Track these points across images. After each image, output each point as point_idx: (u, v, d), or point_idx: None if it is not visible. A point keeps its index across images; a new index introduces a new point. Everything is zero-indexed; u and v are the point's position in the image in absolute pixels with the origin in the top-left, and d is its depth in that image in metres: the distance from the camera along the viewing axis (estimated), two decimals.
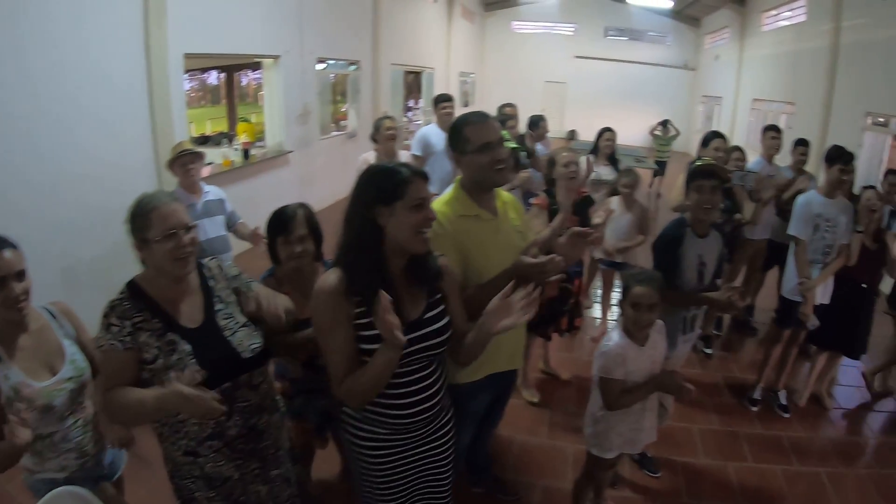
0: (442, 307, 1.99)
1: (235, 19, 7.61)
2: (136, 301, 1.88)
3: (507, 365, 2.65)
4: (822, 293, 4.36)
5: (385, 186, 1.82)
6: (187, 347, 1.88)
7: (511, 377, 2.83)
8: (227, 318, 2.02)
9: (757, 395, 4.86)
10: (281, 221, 2.59)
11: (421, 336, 1.90)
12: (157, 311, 1.89)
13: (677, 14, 22.14)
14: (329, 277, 1.84)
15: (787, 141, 6.04)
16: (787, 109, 13.64)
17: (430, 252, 1.96)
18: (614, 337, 2.81)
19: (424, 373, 1.99)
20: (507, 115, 6.22)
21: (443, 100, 5.82)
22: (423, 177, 1.89)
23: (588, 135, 6.13)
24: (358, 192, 1.88)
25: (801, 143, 5.86)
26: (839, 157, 4.14)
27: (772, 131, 5.79)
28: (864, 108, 9.96)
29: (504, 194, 2.59)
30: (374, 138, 5.19)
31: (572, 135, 20.25)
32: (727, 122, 17.45)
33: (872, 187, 4.57)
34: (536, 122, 6.68)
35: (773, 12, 15.11)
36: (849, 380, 5.37)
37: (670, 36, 23.33)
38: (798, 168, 5.77)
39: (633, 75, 23.17)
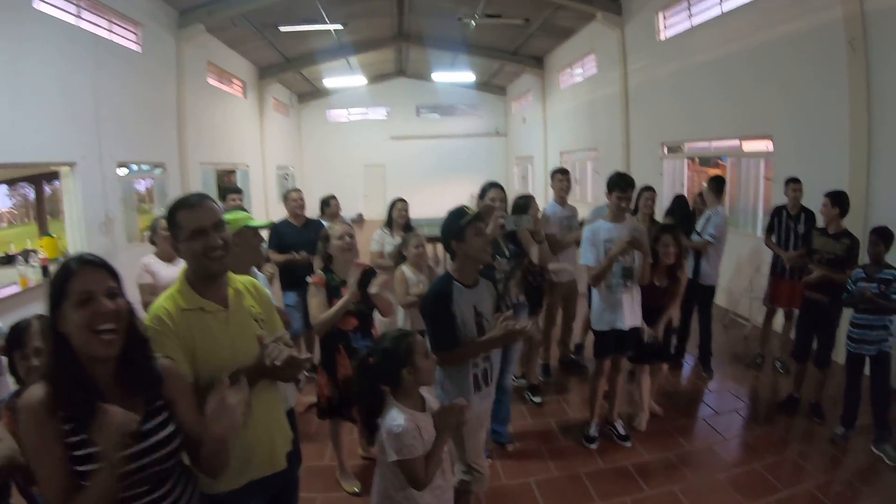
0: (165, 415, 1.78)
1: (22, 125, 6.84)
2: None
3: (270, 468, 2.29)
4: (632, 315, 4.42)
5: (53, 288, 1.64)
6: None
7: (284, 478, 2.40)
8: None
9: (593, 431, 4.66)
10: (15, 335, 2.47)
11: (142, 451, 1.67)
12: None
13: (484, 85, 22.98)
14: (33, 392, 1.61)
15: (600, 184, 6.31)
16: (592, 155, 14.23)
17: (143, 354, 1.78)
18: (395, 416, 2.42)
19: (156, 494, 1.75)
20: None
21: (231, 191, 5.65)
22: (95, 264, 1.68)
23: (411, 213, 5.58)
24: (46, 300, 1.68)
25: (648, 189, 5.99)
26: (616, 185, 4.33)
27: (559, 174, 5.95)
28: (659, 139, 10.56)
29: (240, 280, 2.30)
30: (153, 240, 4.51)
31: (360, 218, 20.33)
32: (541, 178, 17.95)
33: (672, 228, 4.80)
34: (327, 202, 6.49)
35: (569, 70, 15.90)
36: (684, 390, 5.54)
37: (480, 106, 24.15)
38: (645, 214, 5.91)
39: (448, 148, 23.53)
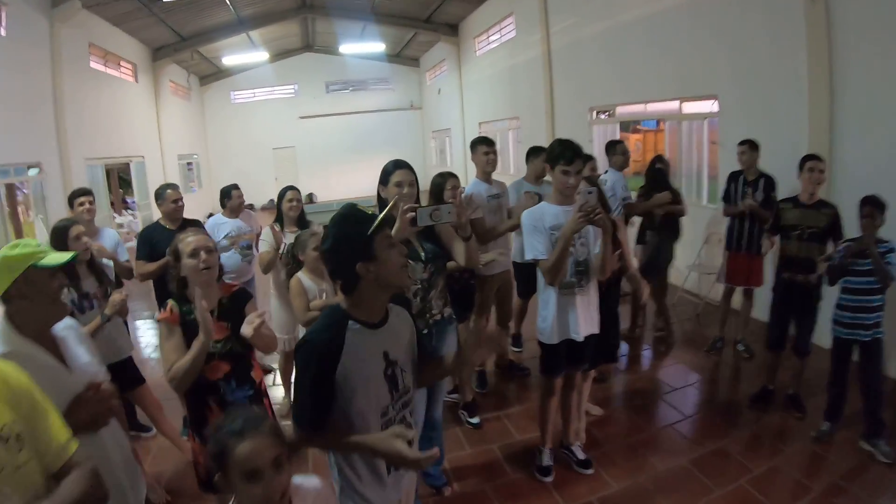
0: None
1: None
2: None
3: None
4: (587, 322, 3.46)
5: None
6: None
7: None
8: None
9: (546, 459, 3.79)
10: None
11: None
12: None
13: (396, 57, 21.86)
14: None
15: (522, 154, 5.44)
16: (514, 124, 13.46)
17: None
18: None
19: None
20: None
21: (79, 194, 4.63)
22: None
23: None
24: None
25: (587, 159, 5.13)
26: (560, 156, 3.26)
27: (483, 146, 4.84)
28: (588, 104, 9.92)
29: None
30: None
31: (311, 198, 19.04)
32: (459, 153, 17.17)
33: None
34: (228, 193, 5.52)
35: (486, 36, 15.00)
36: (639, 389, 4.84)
37: (393, 80, 23.00)
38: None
39: (361, 125, 22.25)
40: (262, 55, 17.93)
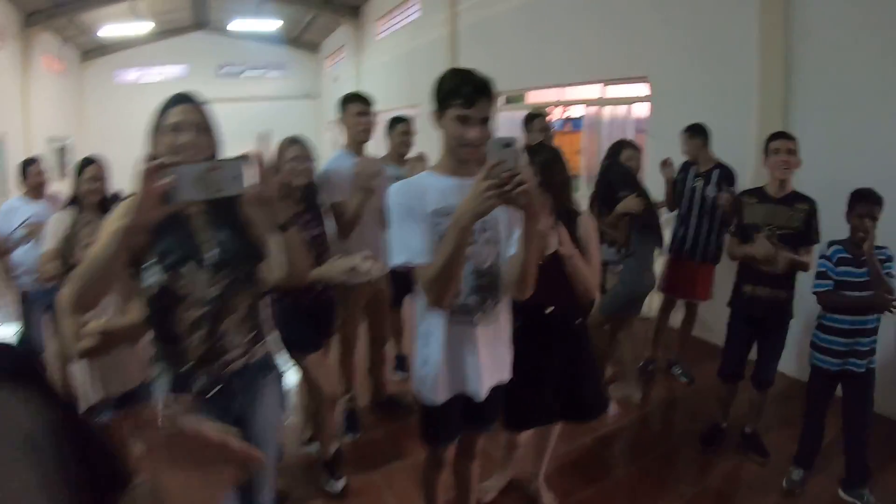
0: None
1: None
2: None
3: None
4: (492, 368, 2.16)
5: None
6: None
7: None
8: None
9: None
10: None
11: None
12: None
13: (294, 41, 20.20)
14: None
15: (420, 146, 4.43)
16: (413, 113, 12.00)
17: None
18: None
19: None
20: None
21: None
22: None
23: None
24: None
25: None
26: (454, 92, 2.09)
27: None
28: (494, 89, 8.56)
29: None
30: None
31: None
32: None
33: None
34: (24, 168, 4.47)
35: (388, 18, 13.74)
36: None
37: (290, 66, 21.33)
38: None
39: (253, 114, 20.18)
40: (145, 26, 15.51)
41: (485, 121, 1.91)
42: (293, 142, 3.11)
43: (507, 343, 2.21)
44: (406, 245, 1.91)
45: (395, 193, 1.98)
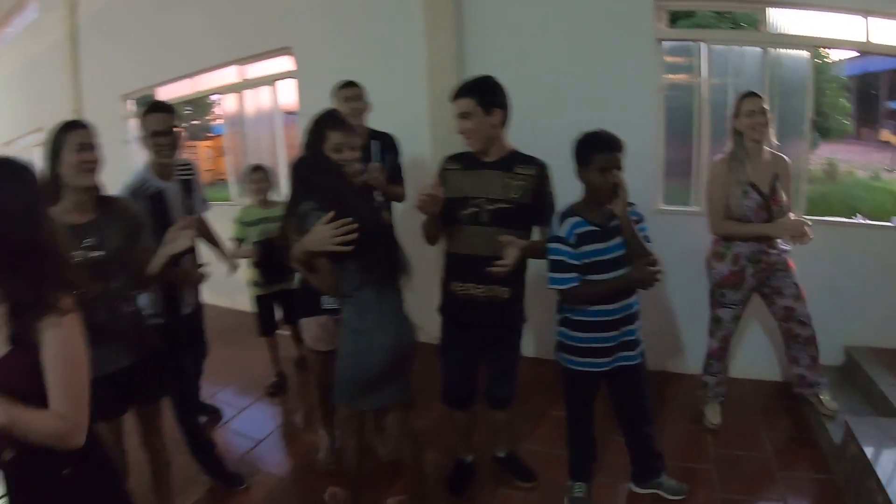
0: None
1: None
2: None
3: None
4: None
5: None
6: None
7: None
8: None
9: None
10: None
11: None
12: None
13: None
14: None
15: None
16: (40, 139, 9.58)
17: None
18: None
19: None
20: None
21: None
22: None
23: None
24: None
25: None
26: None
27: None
28: (120, 92, 7.37)
29: None
30: None
31: None
32: None
33: None
34: None
35: (4, 25, 10.89)
36: None
37: None
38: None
39: None
40: None
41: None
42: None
43: None
44: None
45: None
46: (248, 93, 5.91)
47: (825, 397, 3.23)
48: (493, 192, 2.44)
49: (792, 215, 3.11)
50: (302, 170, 2.26)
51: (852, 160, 11.37)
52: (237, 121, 6.09)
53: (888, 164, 9.07)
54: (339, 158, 2.27)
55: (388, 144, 3.54)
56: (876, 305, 3.69)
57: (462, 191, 2.48)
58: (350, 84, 3.47)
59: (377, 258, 2.18)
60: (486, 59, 3.88)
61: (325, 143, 2.29)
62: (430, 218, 2.53)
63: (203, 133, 7.73)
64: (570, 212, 2.31)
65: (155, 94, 6.87)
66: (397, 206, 3.58)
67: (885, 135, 12.66)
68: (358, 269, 2.15)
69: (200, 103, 10.08)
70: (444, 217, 2.48)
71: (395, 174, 3.49)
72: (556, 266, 2.30)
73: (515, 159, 2.50)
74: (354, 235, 2.00)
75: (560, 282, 2.30)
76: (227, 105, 6.27)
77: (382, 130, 3.56)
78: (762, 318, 3.71)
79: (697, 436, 3.31)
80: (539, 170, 2.49)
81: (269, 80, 5.62)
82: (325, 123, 2.34)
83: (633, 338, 2.43)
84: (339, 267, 2.15)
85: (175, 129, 2.85)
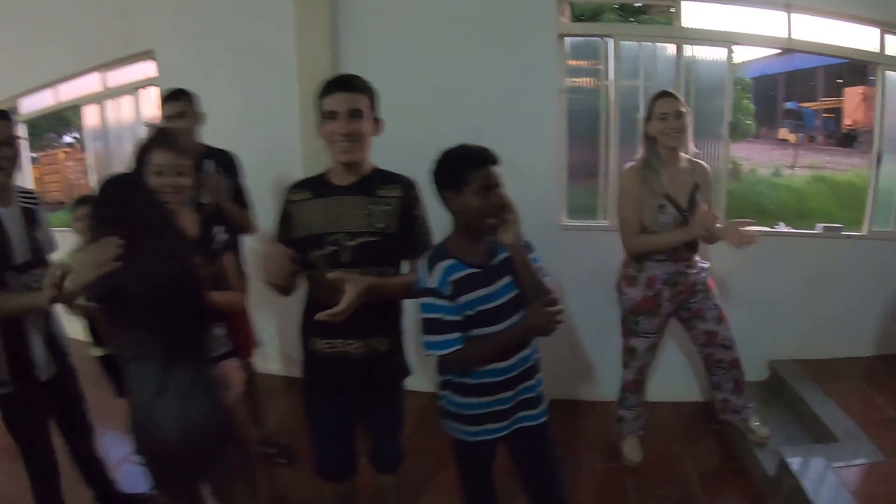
0: None
1: None
2: None
3: None
4: None
5: None
6: None
7: None
8: None
9: None
10: None
11: None
12: None
13: None
14: None
15: None
16: None
17: None
18: None
19: None
20: None
21: None
22: None
23: None
24: None
25: None
26: None
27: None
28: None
29: None
30: None
31: None
32: None
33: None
34: None
35: None
36: None
37: None
38: None
39: None
40: None
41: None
42: None
43: None
44: None
45: None
46: (110, 103, 5.27)
47: (754, 423, 2.97)
48: (354, 224, 1.92)
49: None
50: (101, 195, 1.75)
51: (752, 158, 11.78)
52: (100, 134, 5.47)
53: (788, 161, 9.30)
54: (159, 184, 1.78)
55: (224, 164, 2.95)
56: (799, 316, 3.55)
57: (316, 226, 1.95)
58: (172, 97, 2.87)
59: (162, 324, 1.67)
60: (364, 56, 3.50)
61: (148, 164, 1.83)
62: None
63: (65, 147, 7.07)
64: (440, 253, 1.79)
65: (18, 107, 6.08)
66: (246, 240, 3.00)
67: (783, 133, 13.28)
68: (136, 333, 1.66)
69: (63, 116, 9.29)
70: (298, 259, 1.94)
71: (237, 198, 2.94)
72: (430, 326, 1.77)
73: (376, 179, 2.00)
74: (120, 251, 1.55)
75: (438, 346, 1.77)
76: (88, 117, 5.58)
77: (220, 147, 2.99)
78: (677, 335, 3.45)
79: (616, 476, 3.03)
80: (405, 189, 2.00)
81: (131, 89, 5.03)
82: (149, 142, 1.90)
83: (533, 395, 1.93)
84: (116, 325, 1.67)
85: (14, 140, 2.15)
